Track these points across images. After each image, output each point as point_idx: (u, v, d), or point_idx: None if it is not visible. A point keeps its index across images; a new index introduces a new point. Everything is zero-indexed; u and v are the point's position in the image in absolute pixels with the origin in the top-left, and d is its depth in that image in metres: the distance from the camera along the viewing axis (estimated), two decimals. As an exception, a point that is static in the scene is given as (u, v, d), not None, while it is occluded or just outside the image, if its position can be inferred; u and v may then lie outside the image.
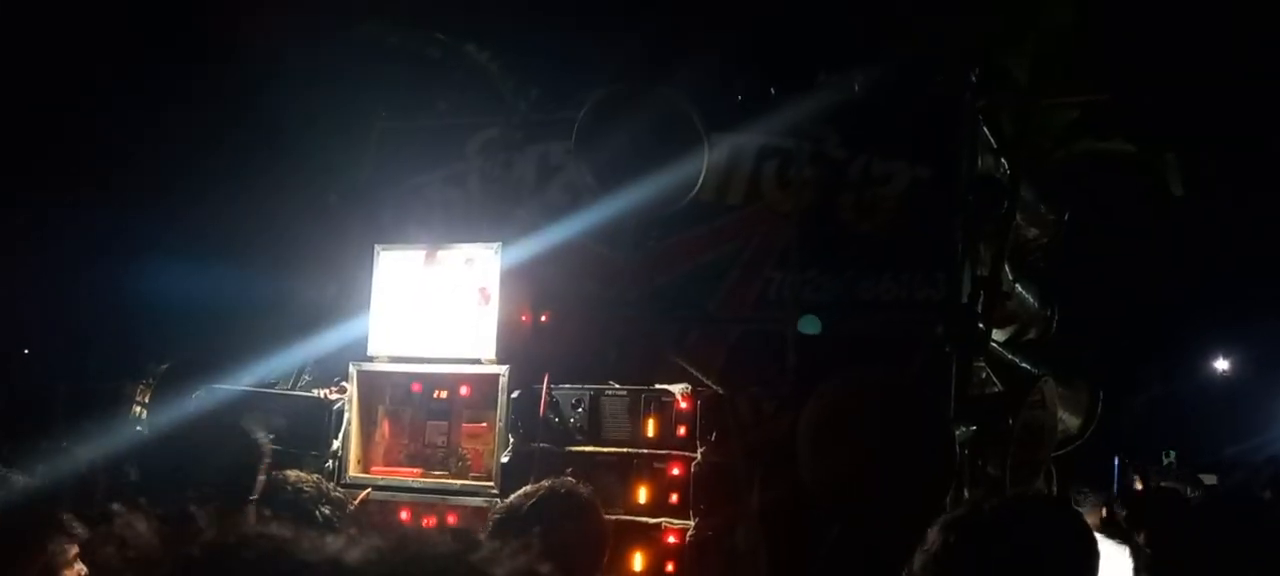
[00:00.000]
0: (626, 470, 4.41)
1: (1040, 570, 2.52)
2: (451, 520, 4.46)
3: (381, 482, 4.75)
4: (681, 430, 4.42)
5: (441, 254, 4.85)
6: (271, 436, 4.79)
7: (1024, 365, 5.17)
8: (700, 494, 4.35)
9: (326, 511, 3.65)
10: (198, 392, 5.00)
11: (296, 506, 3.58)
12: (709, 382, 4.61)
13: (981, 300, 4.65)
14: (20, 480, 2.93)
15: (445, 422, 4.81)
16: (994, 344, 4.86)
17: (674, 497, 4.35)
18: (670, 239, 5.05)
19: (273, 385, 5.17)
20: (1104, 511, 6.42)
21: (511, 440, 4.58)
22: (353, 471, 4.77)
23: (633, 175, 4.77)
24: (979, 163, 4.87)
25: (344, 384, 4.87)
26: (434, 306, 4.80)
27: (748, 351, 4.87)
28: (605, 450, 4.50)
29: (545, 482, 3.45)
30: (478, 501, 4.47)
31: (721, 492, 4.39)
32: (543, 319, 4.90)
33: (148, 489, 3.13)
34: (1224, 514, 3.27)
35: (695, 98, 4.86)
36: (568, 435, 4.54)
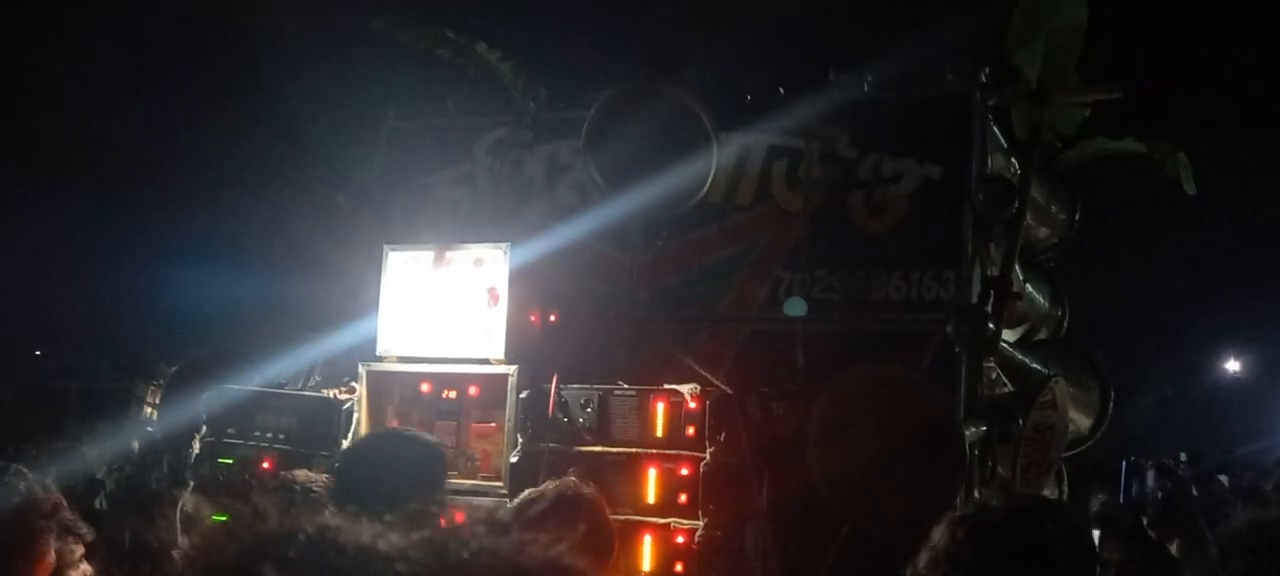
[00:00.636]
0: (635, 470, 4.40)
1: (1042, 572, 2.51)
2: (460, 521, 4.46)
3: (390, 482, 4.75)
4: (690, 430, 4.41)
5: (450, 254, 4.85)
6: (281, 436, 4.83)
7: (1034, 365, 5.15)
8: (709, 494, 4.34)
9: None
10: (208, 392, 5.02)
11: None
12: (718, 382, 4.61)
13: (991, 300, 4.64)
14: (28, 480, 2.94)
15: (454, 423, 4.81)
16: (1004, 344, 4.84)
17: (683, 497, 4.34)
18: (679, 239, 5.04)
19: (282, 385, 5.18)
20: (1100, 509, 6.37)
21: (520, 440, 4.58)
22: (362, 471, 4.77)
23: (642, 175, 4.77)
24: (989, 162, 4.86)
25: (353, 384, 4.88)
26: (443, 307, 4.81)
27: (757, 350, 4.86)
28: (614, 450, 4.49)
29: (552, 483, 3.46)
30: (487, 501, 4.47)
31: (730, 492, 4.38)
32: (552, 319, 4.90)
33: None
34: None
35: (704, 97, 4.86)
36: (576, 435, 4.53)
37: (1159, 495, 3.06)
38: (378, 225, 5.47)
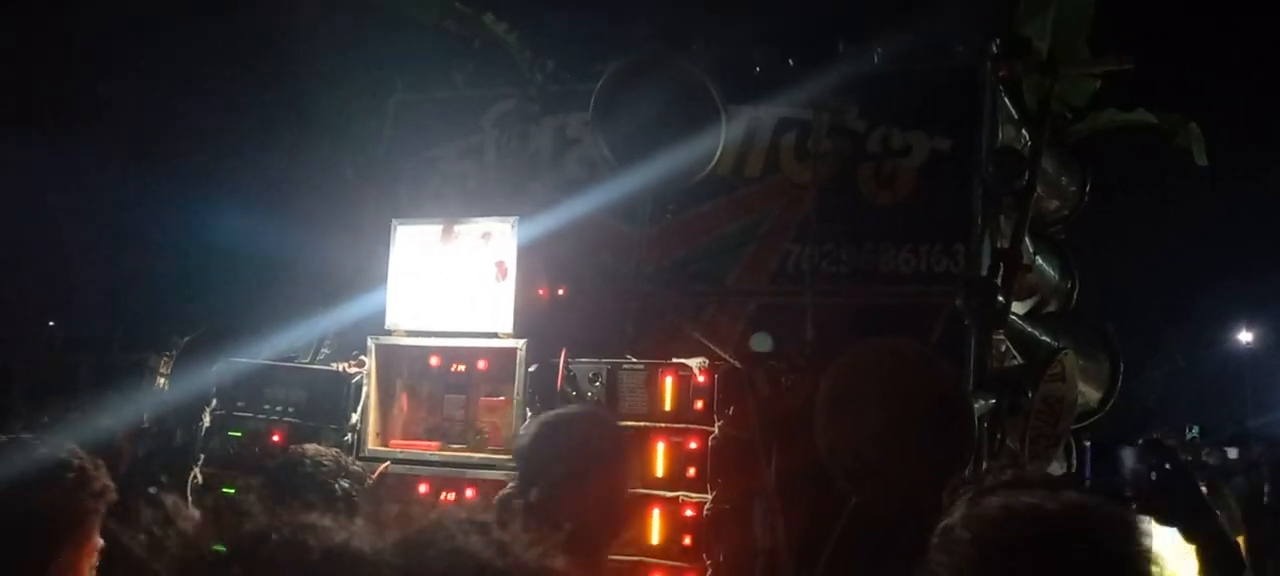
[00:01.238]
0: (643, 444, 4.41)
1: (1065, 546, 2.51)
2: (470, 494, 4.47)
3: (400, 456, 4.77)
4: (699, 403, 4.41)
5: (458, 228, 4.84)
6: (290, 409, 4.85)
7: (1044, 338, 5.13)
8: (717, 467, 4.35)
9: (346, 485, 3.66)
10: (219, 365, 5.04)
11: (315, 480, 3.59)
12: (726, 356, 4.61)
13: (1001, 273, 4.62)
14: (82, 459, 2.81)
15: (463, 396, 4.82)
16: (1013, 317, 4.82)
17: (691, 471, 4.35)
18: (688, 212, 5.03)
19: (291, 359, 5.19)
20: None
21: (529, 413, 4.59)
22: (371, 444, 4.79)
23: (650, 148, 4.76)
24: (999, 134, 4.83)
25: (362, 357, 4.89)
26: (451, 280, 4.81)
27: (766, 324, 4.85)
28: (623, 424, 4.49)
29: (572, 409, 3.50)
30: (496, 474, 4.48)
31: (738, 466, 4.39)
32: (560, 293, 4.90)
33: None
34: None
35: (713, 70, 4.83)
36: (585, 409, 4.53)
37: (1152, 476, 2.86)
38: (385, 198, 5.47)
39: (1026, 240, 4.88)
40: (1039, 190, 4.92)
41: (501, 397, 4.74)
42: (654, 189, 4.88)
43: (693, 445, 4.38)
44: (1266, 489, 9.10)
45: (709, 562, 4.26)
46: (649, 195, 4.93)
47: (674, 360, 4.52)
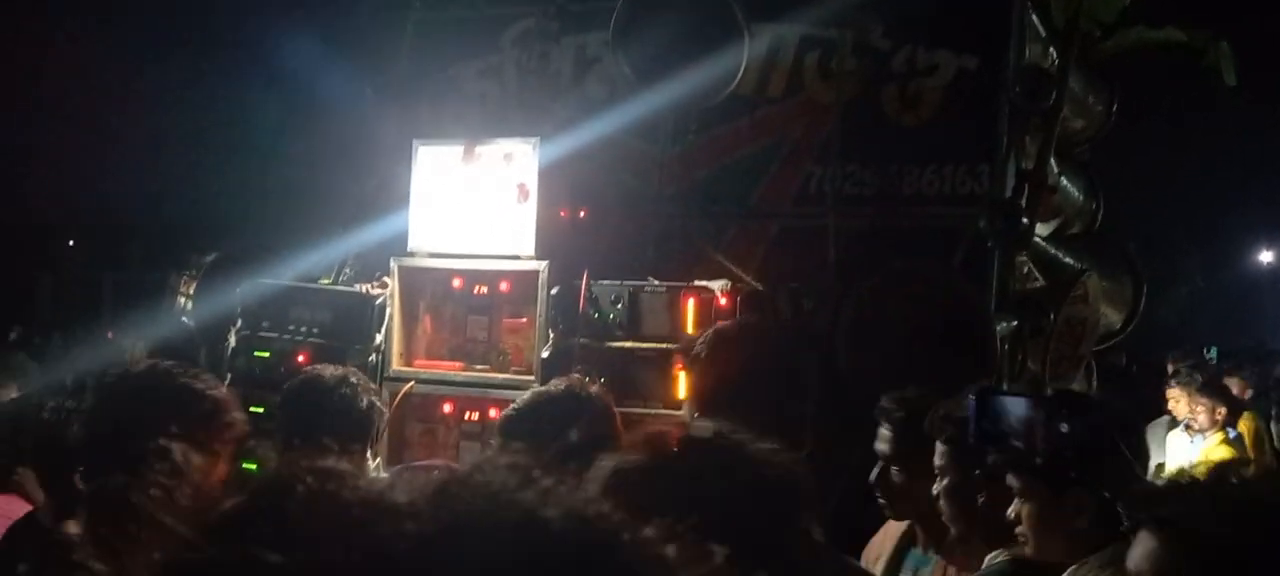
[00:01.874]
0: (665, 366, 4.43)
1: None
2: (494, 413, 4.51)
3: (424, 376, 4.82)
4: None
5: (480, 149, 4.82)
6: (315, 330, 4.89)
7: (1067, 260, 5.10)
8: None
9: (368, 402, 3.62)
10: (243, 286, 5.07)
11: (337, 397, 3.57)
12: (748, 278, 4.60)
13: (1026, 194, 4.58)
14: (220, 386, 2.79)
15: (486, 317, 4.85)
16: (1037, 238, 4.80)
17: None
18: (709, 132, 4.99)
19: (314, 280, 5.22)
20: None
21: (551, 335, 4.61)
22: (395, 365, 4.83)
23: (671, 67, 4.70)
24: (1026, 52, 4.75)
25: (385, 279, 4.91)
26: (473, 202, 4.80)
27: (788, 246, 4.84)
28: (644, 345, 4.52)
29: (561, 382, 3.39)
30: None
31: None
32: (581, 214, 4.89)
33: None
34: None
35: (735, -13, 4.75)
36: (607, 330, 4.56)
37: (1062, 429, 2.45)
38: (406, 118, 5.44)
39: (1052, 161, 4.84)
40: (1065, 110, 4.85)
41: (524, 319, 4.76)
42: (675, 109, 4.83)
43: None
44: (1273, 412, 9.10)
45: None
46: (670, 115, 4.89)
47: (696, 282, 4.52)
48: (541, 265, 4.65)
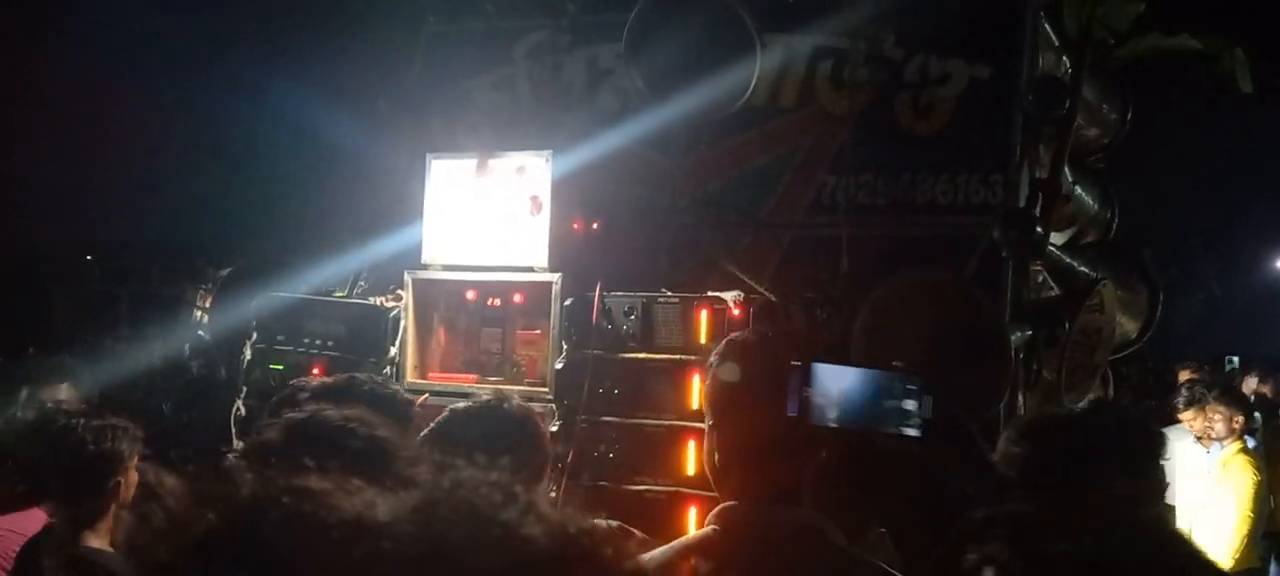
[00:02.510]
0: (679, 377, 4.43)
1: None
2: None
3: (438, 388, 4.82)
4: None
5: (493, 162, 4.84)
6: (330, 342, 4.91)
7: (1082, 269, 5.08)
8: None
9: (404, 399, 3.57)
10: (258, 299, 5.09)
11: (374, 396, 3.52)
12: (761, 289, 4.60)
13: (1040, 203, 4.57)
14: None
15: (500, 329, 4.86)
16: (1052, 247, 4.78)
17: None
18: (722, 143, 4.99)
19: (329, 293, 5.24)
20: None
21: (565, 347, 4.62)
22: (410, 377, 4.85)
23: (684, 79, 4.71)
24: (1039, 61, 4.74)
25: (399, 292, 4.92)
26: (486, 215, 4.82)
27: (801, 256, 4.83)
28: (658, 357, 4.52)
29: (485, 398, 3.23)
30: (535, 407, 4.52)
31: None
32: (594, 226, 4.89)
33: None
34: None
35: (747, -2, 4.76)
36: (620, 341, 4.56)
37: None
38: (419, 131, 5.46)
39: (1065, 169, 4.82)
40: (1079, 118, 4.84)
41: (537, 331, 4.77)
42: (688, 120, 4.84)
43: (728, 377, 4.38)
44: None
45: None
46: (683, 126, 4.89)
47: (708, 293, 4.52)
48: (555, 277, 4.66)
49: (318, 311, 4.98)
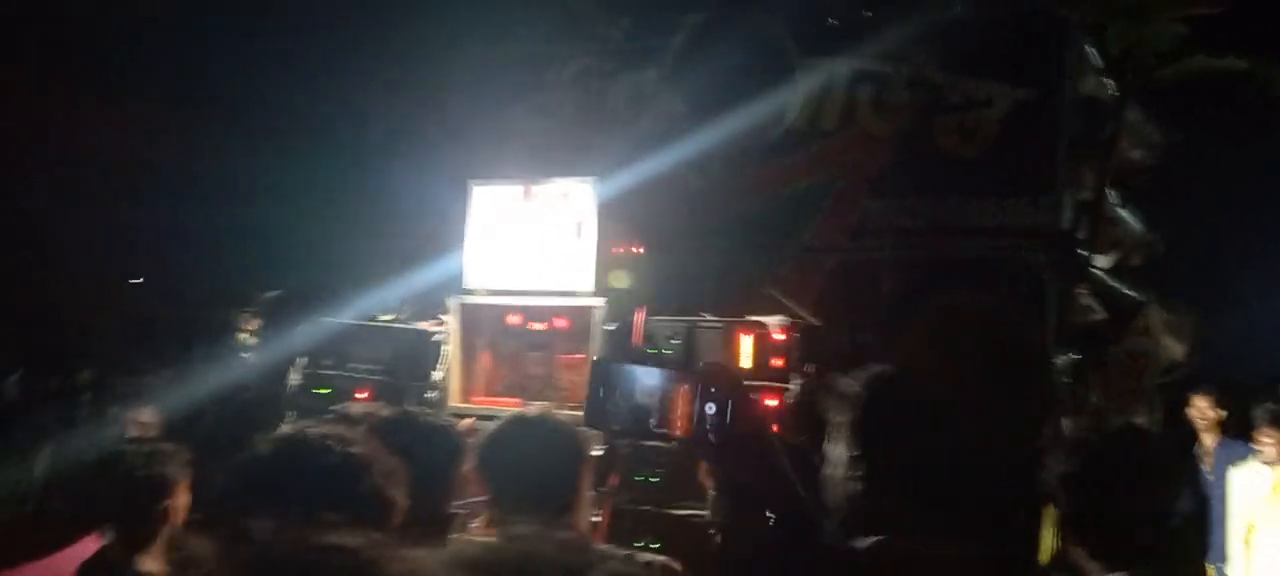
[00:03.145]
0: (723, 401, 4.42)
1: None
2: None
3: (483, 413, 4.84)
4: (777, 361, 4.41)
5: (536, 189, 4.88)
6: (376, 367, 4.95)
7: (1128, 292, 5.05)
8: (796, 424, 4.36)
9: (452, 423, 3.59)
10: (305, 324, 5.15)
11: (430, 428, 3.51)
12: (803, 313, 4.60)
13: (1084, 225, 4.55)
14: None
15: (543, 354, 4.88)
16: (1096, 270, 4.75)
17: (771, 429, 4.35)
18: (764, 167, 5.01)
19: (373, 318, 5.29)
20: None
21: (610, 371, 4.62)
22: (454, 402, 4.88)
23: (726, 104, 4.73)
24: (1083, 83, 4.73)
25: (443, 317, 4.96)
26: (530, 240, 4.85)
27: (844, 279, 4.83)
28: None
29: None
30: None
31: (816, 422, 4.39)
32: (636, 251, 4.92)
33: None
34: None
35: (788, 23, 4.78)
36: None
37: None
38: (462, 157, 5.52)
39: (1110, 192, 4.79)
40: (1123, 141, 4.81)
41: (581, 355, 4.78)
42: (730, 145, 4.86)
43: (771, 402, 4.39)
44: None
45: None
46: (725, 151, 4.91)
47: (751, 317, 4.52)
48: (598, 301, 4.68)
49: (364, 336, 5.02)
